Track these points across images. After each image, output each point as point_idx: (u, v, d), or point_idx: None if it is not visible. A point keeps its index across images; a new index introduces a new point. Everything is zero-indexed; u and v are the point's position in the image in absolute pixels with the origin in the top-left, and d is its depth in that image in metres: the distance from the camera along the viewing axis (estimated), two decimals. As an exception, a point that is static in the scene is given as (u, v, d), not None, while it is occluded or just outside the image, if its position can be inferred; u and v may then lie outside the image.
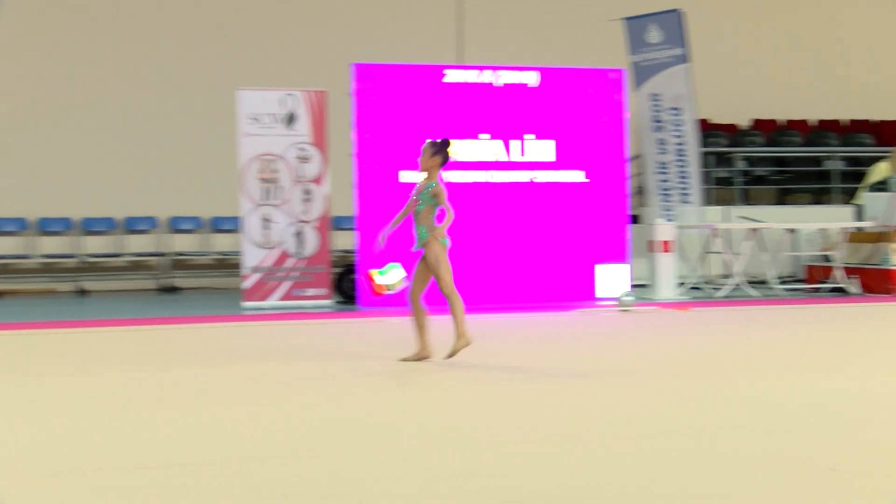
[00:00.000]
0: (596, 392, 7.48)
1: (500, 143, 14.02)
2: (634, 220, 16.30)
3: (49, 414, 6.84)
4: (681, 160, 15.67)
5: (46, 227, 16.66)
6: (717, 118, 19.70)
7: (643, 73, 15.76)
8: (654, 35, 15.60)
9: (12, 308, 14.48)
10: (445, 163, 9.07)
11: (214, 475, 5.21)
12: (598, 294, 14.17)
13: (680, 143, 15.65)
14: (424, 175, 9.06)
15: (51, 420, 6.63)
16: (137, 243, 17.15)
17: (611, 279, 14.23)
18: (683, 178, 15.73)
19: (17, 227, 16.53)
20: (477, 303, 13.76)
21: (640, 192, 17.60)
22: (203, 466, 5.38)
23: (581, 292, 14.17)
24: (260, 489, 4.95)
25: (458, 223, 13.84)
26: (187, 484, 5.05)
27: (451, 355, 8.84)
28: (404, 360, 8.94)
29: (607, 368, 8.62)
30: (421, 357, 8.91)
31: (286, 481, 5.08)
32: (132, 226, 17.08)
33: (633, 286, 14.44)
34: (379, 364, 8.85)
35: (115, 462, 5.48)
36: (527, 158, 14.09)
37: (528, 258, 14.06)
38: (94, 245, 16.95)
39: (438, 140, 9.12)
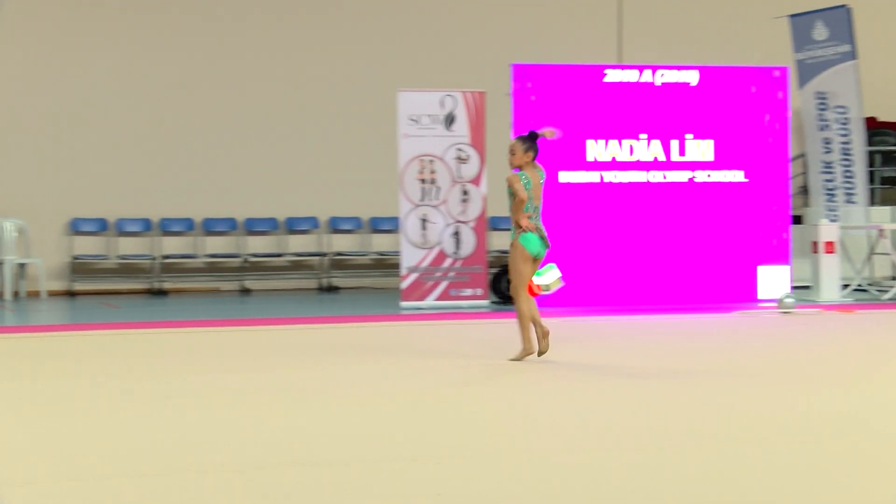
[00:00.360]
0: (767, 395, 7.34)
1: (658, 143, 13.87)
2: (797, 220, 15.95)
3: (219, 409, 6.97)
4: (846, 159, 15.29)
5: (211, 227, 17.03)
6: (885, 116, 19.14)
7: (808, 71, 15.43)
8: (820, 32, 15.25)
9: (179, 306, 14.85)
10: (537, 155, 8.95)
11: (369, 474, 5.24)
12: (760, 296, 13.91)
13: (845, 142, 15.27)
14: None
15: (220, 414, 6.76)
16: (298, 243, 17.42)
17: (772, 280, 13.96)
18: (849, 177, 15.34)
19: (183, 227, 16.94)
20: (638, 303, 13.64)
21: (804, 192, 17.22)
22: (354, 465, 5.42)
23: (743, 294, 13.93)
24: (414, 487, 4.97)
25: (619, 224, 13.74)
26: (339, 482, 5.10)
27: (515, 359, 8.87)
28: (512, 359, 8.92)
29: (765, 369, 8.45)
30: (525, 355, 8.90)
31: (439, 480, 5.09)
32: (293, 226, 17.35)
33: (795, 288, 14.15)
34: (537, 366, 8.82)
35: (302, 456, 5.56)
36: (686, 158, 13.91)
37: (688, 259, 13.88)
38: (257, 245, 17.28)
39: (526, 134, 9.07)
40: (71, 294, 16.31)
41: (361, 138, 17.36)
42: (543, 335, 8.86)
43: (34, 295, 16.06)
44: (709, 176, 13.96)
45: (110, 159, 16.65)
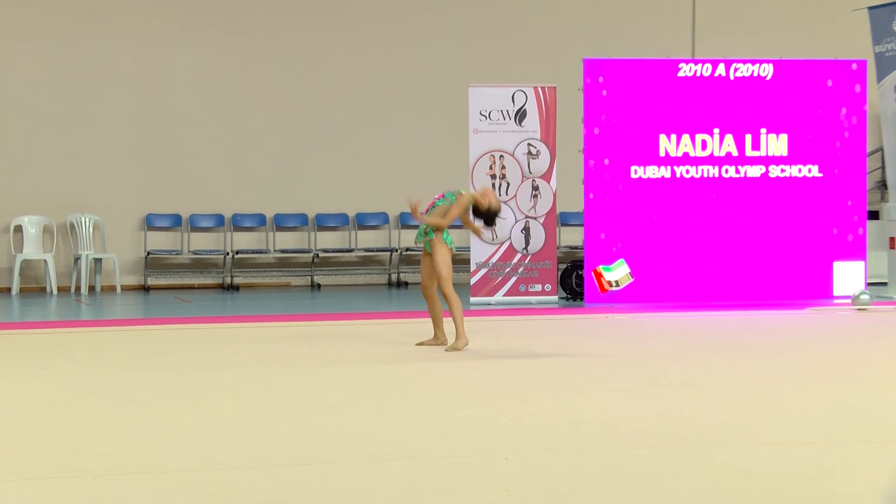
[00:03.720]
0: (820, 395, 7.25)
1: (731, 137, 13.73)
2: (874, 215, 15.71)
3: (287, 405, 7.01)
4: (924, 154, 15.03)
5: (282, 222, 17.12)
6: (963, 110, 18.82)
7: (887, 64, 15.18)
8: (899, 24, 14.99)
9: (249, 301, 14.95)
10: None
11: (439, 468, 5.24)
12: (835, 292, 13.73)
13: (923, 137, 15.01)
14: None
15: (296, 409, 6.79)
16: (368, 239, 17.47)
17: (848, 277, 13.77)
18: (927, 172, 15.09)
19: (255, 222, 17.05)
20: (711, 300, 13.53)
21: (881, 186, 16.96)
22: (422, 460, 5.42)
23: (817, 290, 13.75)
24: (483, 483, 4.96)
25: (691, 219, 13.63)
26: (408, 475, 5.10)
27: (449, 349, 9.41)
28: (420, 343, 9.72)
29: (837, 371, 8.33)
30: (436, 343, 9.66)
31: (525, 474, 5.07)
32: (363, 221, 17.40)
33: (871, 284, 13.95)
34: (620, 360, 8.77)
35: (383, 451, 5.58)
36: (759, 153, 13.76)
37: (762, 254, 13.73)
38: (327, 240, 17.35)
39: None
40: (145, 289, 16.49)
41: (432, 134, 17.37)
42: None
43: (110, 289, 16.26)
44: (783, 171, 13.81)
45: (184, 157, 16.80)
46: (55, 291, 15.80)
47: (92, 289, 16.12)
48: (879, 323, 11.55)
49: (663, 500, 4.66)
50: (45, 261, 15.98)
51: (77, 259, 16.07)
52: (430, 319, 9.92)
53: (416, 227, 17.56)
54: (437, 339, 9.76)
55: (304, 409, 6.80)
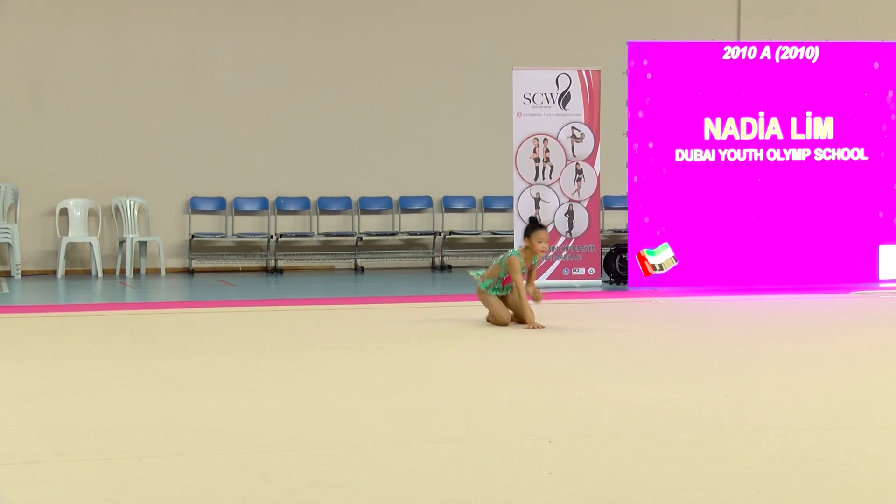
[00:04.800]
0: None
1: (776, 120, 13.64)
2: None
3: (329, 387, 7.04)
4: (972, 137, 14.86)
5: (325, 206, 17.18)
6: None
7: (932, 46, 15.00)
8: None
9: (294, 284, 15.02)
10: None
11: (483, 452, 5.24)
12: (881, 276, 13.64)
13: (971, 119, 14.84)
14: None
15: (337, 392, 6.82)
16: (411, 222, 17.50)
17: (894, 260, 13.67)
18: (975, 155, 14.92)
19: (299, 206, 17.12)
20: (756, 283, 13.46)
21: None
22: (467, 443, 5.42)
23: (863, 273, 13.67)
24: (527, 466, 4.96)
25: (736, 203, 13.56)
26: (453, 458, 5.10)
27: None
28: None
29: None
30: None
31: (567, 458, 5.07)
32: (406, 205, 17.42)
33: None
34: (664, 344, 8.74)
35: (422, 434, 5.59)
36: (805, 136, 13.67)
37: (808, 238, 13.66)
38: (371, 224, 17.39)
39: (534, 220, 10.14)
40: (189, 272, 16.60)
41: (475, 117, 17.36)
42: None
43: (154, 272, 16.37)
44: (828, 154, 13.71)
45: (228, 140, 16.89)
46: (100, 274, 15.94)
47: (137, 272, 16.25)
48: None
49: (706, 485, 4.65)
50: (90, 244, 16.11)
51: (122, 242, 16.20)
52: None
53: (460, 210, 17.61)
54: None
55: (348, 391, 6.83)
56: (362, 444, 5.41)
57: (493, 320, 9.95)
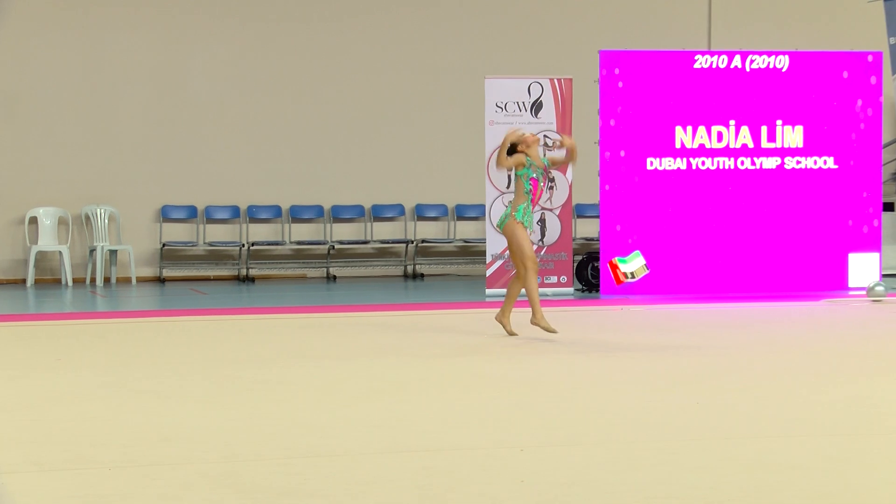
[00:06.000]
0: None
1: (747, 129, 13.71)
2: (889, 207, 15.67)
3: (294, 398, 7.03)
4: (940, 146, 14.99)
5: (297, 214, 17.15)
6: (980, 102, 18.77)
7: (901, 56, 15.11)
8: (914, 15, 14.94)
9: (265, 293, 14.98)
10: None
11: (455, 460, 5.24)
12: (851, 284, 13.72)
13: (939, 128, 14.97)
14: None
15: (307, 401, 6.81)
16: (384, 230, 17.48)
17: (863, 268, 13.76)
18: (943, 164, 15.06)
19: (270, 214, 17.08)
20: (727, 291, 13.51)
21: (896, 178, 16.94)
22: (443, 452, 5.43)
23: (833, 281, 13.74)
24: (498, 474, 4.96)
25: (707, 211, 13.61)
26: (427, 468, 5.10)
27: None
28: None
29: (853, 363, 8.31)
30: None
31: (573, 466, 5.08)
32: (379, 213, 17.41)
33: (886, 276, 13.95)
34: (619, 353, 8.77)
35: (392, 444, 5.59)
36: (775, 145, 13.74)
37: (778, 246, 13.71)
38: (343, 232, 17.37)
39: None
40: (160, 280, 16.53)
41: (447, 126, 17.37)
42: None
43: (125, 281, 16.30)
44: (798, 162, 13.78)
45: (199, 148, 16.83)
46: (70, 283, 15.86)
47: (107, 280, 16.17)
48: (894, 314, 11.52)
49: (680, 492, 4.66)
50: (60, 252, 16.03)
51: (92, 250, 16.12)
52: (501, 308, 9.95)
53: (432, 218, 17.61)
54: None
55: (321, 401, 6.82)
56: (335, 452, 5.41)
57: (518, 255, 9.51)
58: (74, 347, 9.45)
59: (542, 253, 13.97)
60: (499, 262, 13.92)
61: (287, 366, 8.32)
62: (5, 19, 15.87)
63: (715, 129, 13.66)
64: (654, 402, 6.70)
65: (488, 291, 13.86)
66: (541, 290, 13.88)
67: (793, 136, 13.76)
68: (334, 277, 16.99)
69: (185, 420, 6.22)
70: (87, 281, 16.12)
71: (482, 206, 14.67)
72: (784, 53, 13.80)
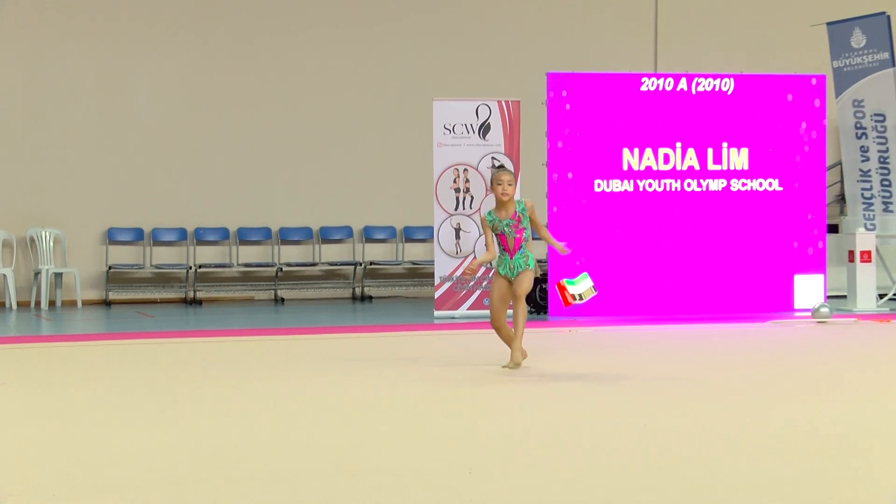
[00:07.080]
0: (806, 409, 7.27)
1: (693, 151, 13.81)
2: (833, 229, 15.83)
3: (257, 419, 6.98)
4: (883, 168, 15.17)
5: (245, 236, 17.07)
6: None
7: (845, 79, 15.32)
8: (858, 39, 15.14)
9: (213, 315, 14.89)
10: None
11: (403, 484, 5.22)
12: (796, 305, 13.83)
13: (883, 150, 15.15)
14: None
15: (252, 422, 6.76)
16: (332, 252, 17.44)
17: (808, 290, 13.88)
18: (886, 186, 15.22)
19: (218, 236, 17.00)
20: (673, 313, 13.58)
21: (840, 200, 17.09)
22: (386, 475, 5.40)
23: (778, 303, 13.85)
24: (447, 495, 4.94)
25: (654, 233, 13.69)
26: (371, 490, 5.07)
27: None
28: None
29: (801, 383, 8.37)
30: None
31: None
32: (327, 235, 17.37)
33: (830, 297, 14.09)
34: (583, 374, 8.78)
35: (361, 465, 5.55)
36: (721, 167, 13.85)
37: (724, 268, 13.81)
38: (291, 254, 17.31)
39: (498, 164, 9.31)
40: (106, 303, 16.39)
41: (395, 147, 17.38)
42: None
43: (70, 304, 16.15)
44: (744, 184, 13.89)
45: (146, 170, 16.73)
46: (14, 306, 15.69)
47: (52, 303, 16.01)
48: (839, 336, 11.62)
49: (626, 513, 4.67)
50: (4, 275, 15.86)
51: (37, 273, 15.96)
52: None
53: (380, 240, 17.58)
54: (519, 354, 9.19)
55: (267, 423, 6.77)
56: (281, 475, 5.37)
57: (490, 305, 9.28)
58: (18, 371, 9.34)
59: (491, 275, 13.98)
60: (447, 284, 13.92)
61: (233, 388, 8.26)
62: None
63: (662, 151, 13.76)
64: (601, 424, 6.70)
65: (437, 313, 13.85)
66: (488, 311, 13.92)
67: (738, 158, 13.88)
68: (282, 300, 16.92)
69: (129, 443, 6.15)
70: (32, 304, 15.96)
71: (430, 228, 14.68)
72: (729, 76, 13.92)
